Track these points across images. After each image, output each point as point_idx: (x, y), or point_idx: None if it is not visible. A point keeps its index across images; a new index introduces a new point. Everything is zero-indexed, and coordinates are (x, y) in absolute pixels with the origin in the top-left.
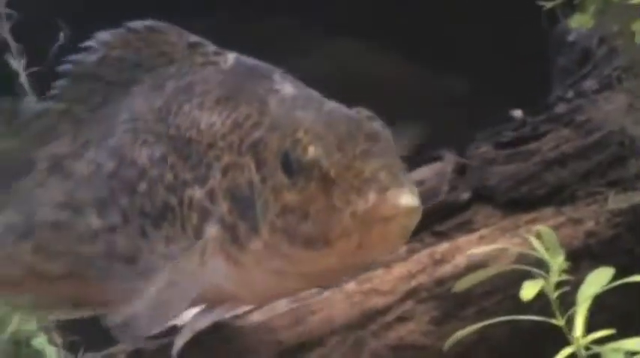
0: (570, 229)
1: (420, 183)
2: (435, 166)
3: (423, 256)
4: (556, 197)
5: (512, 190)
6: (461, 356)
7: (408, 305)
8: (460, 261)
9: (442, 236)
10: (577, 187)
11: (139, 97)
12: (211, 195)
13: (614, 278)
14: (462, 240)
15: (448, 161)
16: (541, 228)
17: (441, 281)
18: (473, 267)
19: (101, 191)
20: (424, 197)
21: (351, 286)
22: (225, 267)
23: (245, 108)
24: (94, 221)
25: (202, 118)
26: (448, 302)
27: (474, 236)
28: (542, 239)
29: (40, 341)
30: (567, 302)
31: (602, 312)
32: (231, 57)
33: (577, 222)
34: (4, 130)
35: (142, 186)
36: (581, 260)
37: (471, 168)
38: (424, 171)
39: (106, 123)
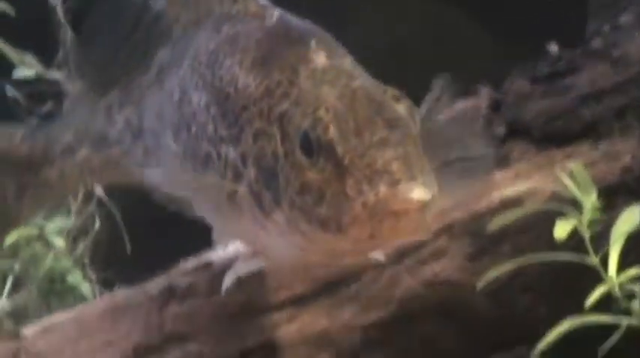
0: (606, 165)
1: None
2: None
3: None
4: (592, 132)
5: (548, 125)
6: (494, 293)
7: (443, 241)
8: (495, 197)
9: None
10: (613, 122)
11: (203, 34)
12: (243, 158)
13: None
14: (498, 175)
15: (483, 96)
16: (573, 165)
17: (476, 217)
18: (508, 203)
19: (174, 117)
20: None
21: None
22: (253, 229)
23: (277, 75)
24: (171, 143)
25: (240, 77)
26: (482, 238)
27: (509, 172)
28: (574, 177)
29: (74, 278)
30: (603, 238)
31: (637, 250)
32: (275, 14)
33: (613, 157)
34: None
35: (193, 129)
36: (616, 196)
37: (506, 104)
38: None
39: (183, 49)
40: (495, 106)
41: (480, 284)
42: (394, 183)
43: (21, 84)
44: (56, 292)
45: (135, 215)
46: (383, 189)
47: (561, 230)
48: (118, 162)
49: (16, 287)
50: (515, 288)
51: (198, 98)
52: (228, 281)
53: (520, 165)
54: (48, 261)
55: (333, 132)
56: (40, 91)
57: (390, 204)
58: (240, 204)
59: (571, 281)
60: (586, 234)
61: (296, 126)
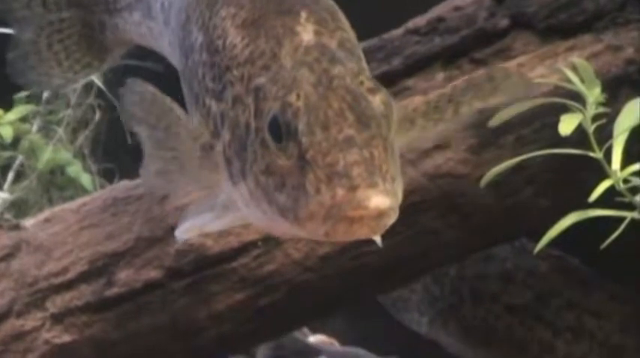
0: (609, 56)
1: (457, 10)
2: None
3: (460, 83)
4: (595, 24)
5: (551, 17)
6: (498, 184)
7: (445, 132)
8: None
9: (480, 63)
10: (616, 14)
11: None
12: (221, 117)
13: None
14: (500, 67)
15: None
16: (577, 60)
17: (479, 110)
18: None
19: (180, 36)
20: (462, 24)
21: None
22: (227, 187)
23: (262, 43)
24: (178, 59)
25: (229, 34)
26: (486, 129)
27: (512, 63)
28: (577, 71)
29: (74, 169)
30: (607, 130)
31: None
32: None
33: (616, 49)
34: None
35: (190, 61)
36: (620, 88)
37: None
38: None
39: None
40: None
41: (484, 180)
42: (352, 189)
43: None
44: (56, 184)
45: None
46: (340, 192)
47: (566, 125)
48: (157, 37)
49: (17, 178)
50: (518, 181)
51: (196, 35)
52: (187, 231)
53: (523, 57)
54: (48, 153)
55: (301, 122)
56: None
57: (345, 209)
58: (216, 159)
59: (574, 174)
60: (590, 129)
61: (268, 107)
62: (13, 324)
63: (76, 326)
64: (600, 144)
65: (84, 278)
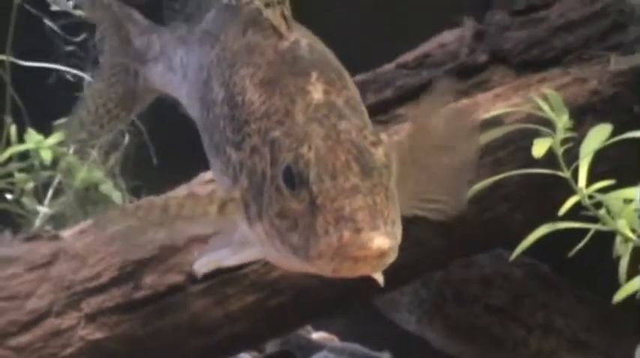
0: (576, 88)
1: (442, 47)
2: (456, 31)
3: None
4: (563, 59)
5: (525, 53)
6: (478, 200)
7: None
8: (479, 115)
9: (462, 93)
10: (582, 51)
11: (233, 29)
12: (240, 165)
13: (615, 133)
14: (480, 96)
15: (468, 27)
16: (547, 90)
17: None
18: (489, 122)
19: (201, 91)
20: (446, 59)
21: None
22: (244, 226)
23: (277, 101)
24: (197, 112)
25: (248, 91)
26: None
27: (490, 93)
28: (548, 100)
29: (106, 187)
30: (574, 153)
31: (604, 164)
32: (292, 36)
33: (582, 81)
34: None
35: (211, 115)
36: (585, 115)
37: (489, 34)
38: (446, 36)
39: (218, 29)
40: (478, 36)
41: (468, 196)
42: (357, 231)
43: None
44: (91, 200)
45: (160, 132)
46: (346, 234)
47: (538, 148)
48: (176, 88)
49: (56, 195)
50: (496, 197)
51: (217, 90)
52: (205, 266)
53: (500, 88)
54: (83, 173)
55: (312, 171)
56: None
57: (350, 249)
58: (231, 206)
59: (545, 192)
60: (559, 151)
61: (282, 157)
62: (52, 323)
63: (108, 324)
64: (568, 164)
65: (114, 282)
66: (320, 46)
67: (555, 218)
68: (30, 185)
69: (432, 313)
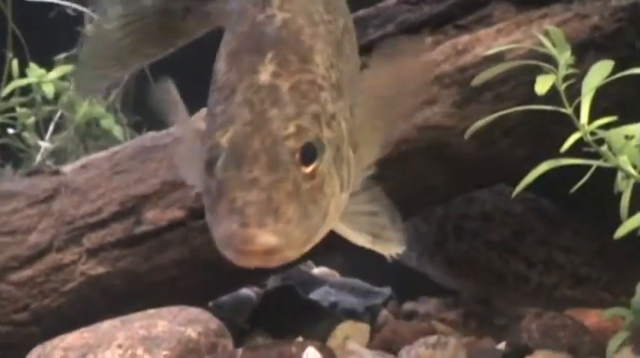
0: (577, 23)
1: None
2: None
3: (446, 47)
4: None
5: None
6: (479, 136)
7: (433, 90)
8: (480, 51)
9: (464, 29)
10: None
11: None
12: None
13: (616, 69)
14: (482, 32)
15: None
16: (549, 27)
17: (462, 69)
18: (491, 58)
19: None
20: None
21: None
22: None
23: (231, 76)
24: None
25: (219, 60)
26: (468, 87)
27: (492, 29)
28: (550, 36)
29: (107, 122)
30: (574, 89)
31: (605, 100)
32: (272, 9)
33: (583, 17)
34: None
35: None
36: (586, 51)
37: None
38: None
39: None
40: None
41: (468, 132)
42: (243, 225)
43: None
44: (92, 135)
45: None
46: (233, 227)
47: (541, 85)
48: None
49: (57, 130)
50: (497, 133)
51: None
52: None
53: (501, 24)
54: (84, 107)
55: (220, 159)
56: None
57: (236, 243)
58: None
59: (546, 127)
60: (561, 87)
61: (211, 136)
62: (54, 258)
63: (109, 259)
64: (570, 100)
65: (116, 217)
66: (303, 22)
67: (557, 154)
68: (31, 119)
69: (433, 249)
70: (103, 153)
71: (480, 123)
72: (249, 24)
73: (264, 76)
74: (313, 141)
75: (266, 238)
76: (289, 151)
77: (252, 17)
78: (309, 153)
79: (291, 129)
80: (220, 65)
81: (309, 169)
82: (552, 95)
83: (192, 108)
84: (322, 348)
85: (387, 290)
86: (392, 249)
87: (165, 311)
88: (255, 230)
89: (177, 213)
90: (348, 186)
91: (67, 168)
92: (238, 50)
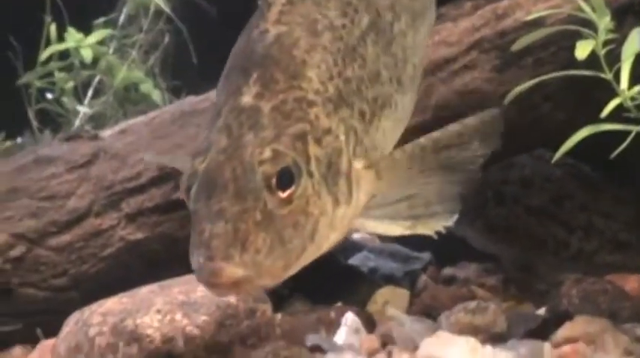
0: None
1: None
2: None
3: (486, 11)
4: None
5: None
6: (519, 101)
7: (473, 55)
8: (519, 15)
9: None
10: None
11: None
12: None
13: None
14: None
15: None
16: None
17: (502, 34)
18: (531, 23)
19: None
20: None
21: None
22: None
23: (221, 96)
24: None
25: (222, 75)
26: (508, 52)
27: None
28: (589, 1)
29: (146, 86)
30: (614, 55)
31: None
32: (267, 24)
33: None
34: None
35: None
36: (625, 16)
37: None
38: None
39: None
40: None
41: (508, 97)
42: (209, 259)
43: None
44: (130, 99)
45: (200, 31)
46: (200, 260)
47: (582, 50)
48: None
49: (96, 95)
50: (538, 97)
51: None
52: None
53: None
54: (123, 72)
55: (194, 187)
56: None
57: (204, 275)
58: None
59: (586, 92)
60: (601, 52)
61: (192, 161)
62: (93, 223)
63: (147, 224)
64: (609, 66)
65: (154, 182)
66: (300, 34)
67: (597, 118)
68: (70, 84)
69: (473, 214)
70: (141, 118)
71: (520, 88)
72: (245, 40)
73: (247, 98)
74: (290, 166)
75: (231, 270)
76: (264, 177)
77: (249, 33)
78: (285, 178)
79: (267, 153)
80: (219, 85)
81: (285, 194)
82: (592, 60)
83: None
84: (361, 314)
85: (426, 256)
86: (439, 223)
87: None
88: (220, 263)
89: None
90: (350, 198)
91: (105, 133)
92: (230, 70)
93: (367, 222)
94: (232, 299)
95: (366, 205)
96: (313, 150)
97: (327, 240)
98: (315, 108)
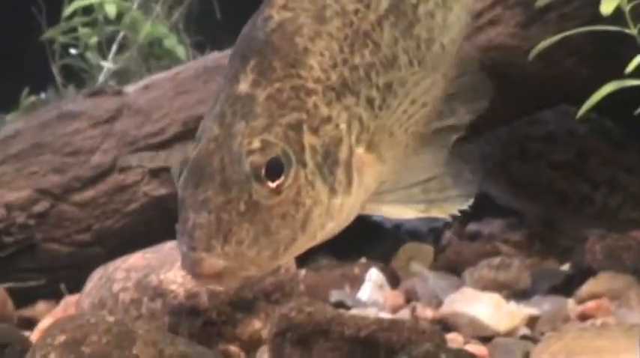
0: None
1: None
2: None
3: None
4: None
5: None
6: (543, 56)
7: (497, 10)
8: None
9: None
10: None
11: None
12: None
13: None
14: None
15: None
16: None
17: None
18: None
19: None
20: None
21: None
22: None
23: (222, 82)
24: None
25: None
26: (532, 7)
27: None
28: None
29: (170, 42)
30: (639, 10)
31: None
32: (272, 9)
33: None
34: None
35: None
36: None
37: None
38: None
39: None
40: None
41: (533, 52)
42: (191, 249)
43: None
44: (154, 55)
45: None
46: (184, 249)
47: (606, 5)
48: None
49: (120, 50)
50: (562, 52)
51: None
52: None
53: None
54: (147, 27)
55: (182, 176)
56: None
57: (187, 265)
58: None
59: (611, 47)
60: (626, 8)
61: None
62: (116, 179)
63: (170, 180)
64: (635, 21)
65: (178, 138)
66: (305, 21)
67: (621, 74)
68: (94, 40)
69: (497, 170)
70: (165, 74)
71: (544, 43)
72: (249, 26)
73: (243, 86)
74: (280, 156)
75: (213, 262)
76: (253, 167)
77: (255, 19)
78: (274, 169)
79: (256, 144)
80: (225, 70)
81: (274, 185)
82: (617, 15)
83: None
84: (385, 269)
85: None
86: (454, 207)
87: None
88: (202, 254)
89: None
90: (349, 187)
91: (129, 89)
92: (232, 56)
93: (380, 206)
94: None
95: (377, 190)
96: (308, 139)
97: (322, 230)
98: (314, 97)
